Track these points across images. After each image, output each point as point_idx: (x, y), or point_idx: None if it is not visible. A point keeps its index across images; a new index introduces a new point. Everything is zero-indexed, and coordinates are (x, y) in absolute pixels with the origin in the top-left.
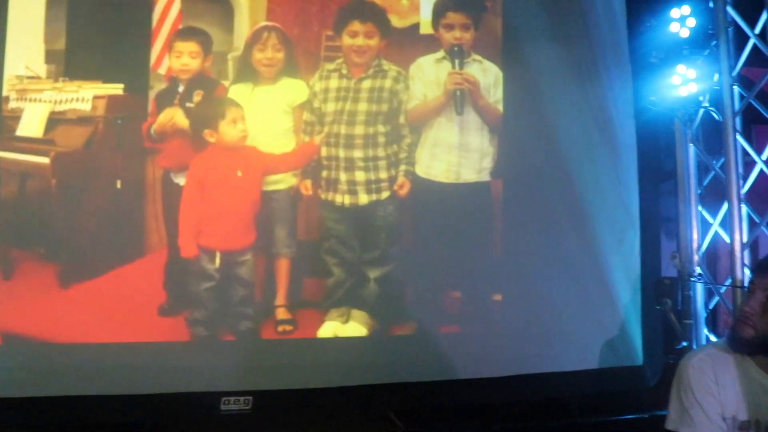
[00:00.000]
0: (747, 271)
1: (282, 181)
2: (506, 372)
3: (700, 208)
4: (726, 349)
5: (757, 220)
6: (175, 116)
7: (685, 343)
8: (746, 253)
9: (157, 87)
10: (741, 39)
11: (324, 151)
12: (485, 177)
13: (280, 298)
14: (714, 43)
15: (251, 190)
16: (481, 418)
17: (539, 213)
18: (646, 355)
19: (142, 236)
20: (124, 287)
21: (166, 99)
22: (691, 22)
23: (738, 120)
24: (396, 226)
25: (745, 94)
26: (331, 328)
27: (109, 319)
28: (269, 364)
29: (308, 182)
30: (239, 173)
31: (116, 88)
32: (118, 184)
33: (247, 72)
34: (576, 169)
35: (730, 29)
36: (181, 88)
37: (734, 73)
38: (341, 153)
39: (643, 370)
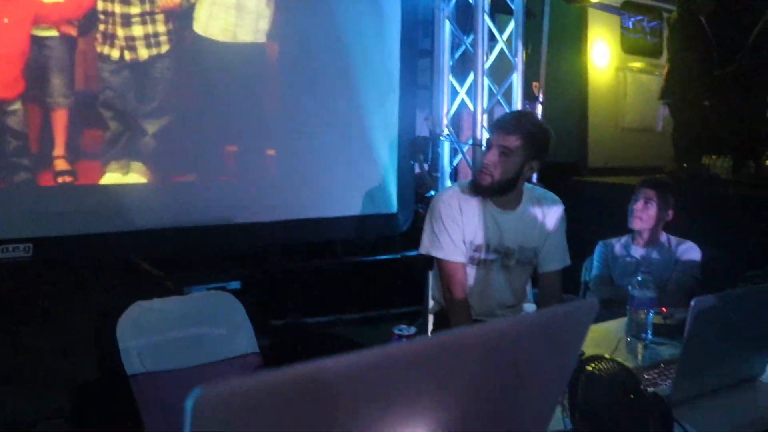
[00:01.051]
0: (486, 133)
1: (55, 31)
2: (279, 217)
3: (450, 78)
4: (469, 188)
5: (495, 91)
6: None
7: (432, 193)
8: (485, 117)
9: None
10: None
11: (100, 5)
12: (261, 38)
13: (59, 149)
14: None
15: (19, 38)
16: (255, 260)
17: (311, 75)
18: (399, 203)
19: None
20: None
21: None
22: None
23: (486, 3)
24: (174, 80)
25: None
26: (111, 180)
27: None
28: (50, 211)
29: (84, 35)
30: (5, 20)
31: None
32: None
33: None
34: (345, 35)
35: None
36: None
37: None
38: (117, 8)
39: (397, 216)
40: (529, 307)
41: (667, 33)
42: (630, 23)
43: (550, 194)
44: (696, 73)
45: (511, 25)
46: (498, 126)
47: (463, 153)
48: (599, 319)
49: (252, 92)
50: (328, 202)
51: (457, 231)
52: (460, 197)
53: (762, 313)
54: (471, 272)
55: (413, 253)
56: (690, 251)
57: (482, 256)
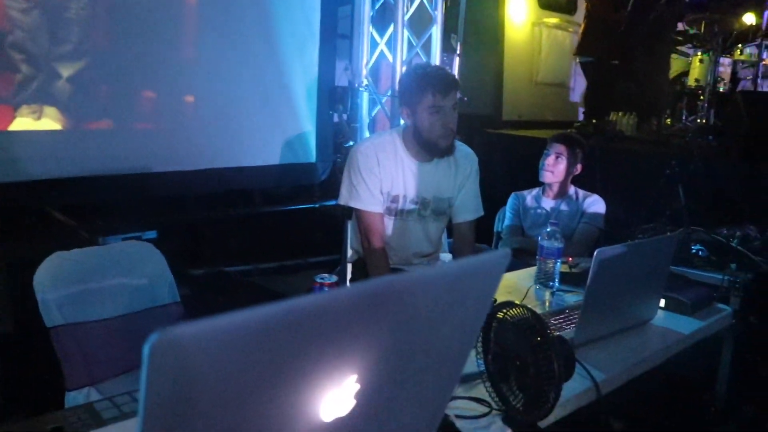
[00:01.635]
0: None
1: None
2: (197, 166)
3: (371, 28)
4: (387, 139)
5: (414, 43)
6: None
7: (351, 143)
8: (404, 69)
9: None
10: None
11: None
12: None
13: None
14: None
15: None
16: (171, 209)
17: (230, 19)
18: (318, 153)
19: None
20: None
21: None
22: None
23: None
24: (89, 21)
25: None
26: (22, 126)
27: None
28: None
29: None
30: None
31: None
32: None
33: None
34: None
35: None
36: None
37: None
38: None
39: (315, 166)
40: (446, 256)
41: None
42: None
43: (465, 147)
44: (609, 32)
45: None
46: (451, 85)
47: (381, 104)
48: (512, 267)
49: (169, 36)
50: (247, 151)
51: (375, 182)
52: (377, 148)
53: (654, 262)
54: (389, 222)
55: (331, 202)
56: (596, 204)
57: (399, 207)
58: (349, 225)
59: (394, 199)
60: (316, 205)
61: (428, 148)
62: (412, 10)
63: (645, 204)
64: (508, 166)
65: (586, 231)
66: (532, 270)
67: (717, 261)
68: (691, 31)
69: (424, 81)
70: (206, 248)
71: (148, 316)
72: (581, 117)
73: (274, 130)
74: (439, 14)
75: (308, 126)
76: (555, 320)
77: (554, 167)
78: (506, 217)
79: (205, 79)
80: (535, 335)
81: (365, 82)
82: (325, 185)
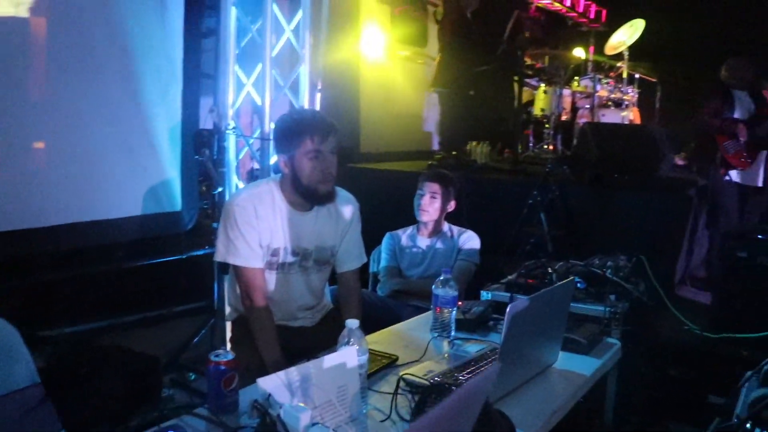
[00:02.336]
0: (272, 125)
1: None
2: (49, 222)
3: (236, 68)
4: (264, 189)
5: (281, 83)
6: None
7: (220, 189)
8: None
9: None
10: None
11: None
12: (23, 13)
13: None
14: None
15: None
16: (23, 269)
17: (85, 57)
18: (184, 201)
19: None
20: None
21: None
22: None
23: None
24: None
25: None
26: None
27: None
28: None
29: None
30: None
31: None
32: None
33: None
34: (124, 16)
35: None
36: None
37: None
38: None
39: (181, 215)
40: (352, 323)
41: (438, 27)
42: (398, 13)
43: (344, 192)
44: (462, 65)
45: (299, 15)
46: (328, 129)
47: (250, 146)
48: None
49: (14, 74)
50: (106, 202)
51: (254, 235)
52: (255, 200)
53: (556, 308)
54: (270, 277)
55: (200, 252)
56: (471, 240)
57: (280, 260)
58: (226, 281)
59: (275, 253)
60: (183, 256)
61: (308, 196)
62: (278, 47)
63: (508, 233)
64: (372, 201)
65: (464, 268)
66: (422, 319)
67: (595, 293)
68: (537, 65)
69: (301, 126)
70: (61, 314)
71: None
72: (435, 146)
73: (136, 178)
74: (306, 53)
75: (172, 172)
76: (463, 375)
77: (430, 206)
78: (382, 257)
79: (57, 125)
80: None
81: (232, 124)
82: (192, 234)
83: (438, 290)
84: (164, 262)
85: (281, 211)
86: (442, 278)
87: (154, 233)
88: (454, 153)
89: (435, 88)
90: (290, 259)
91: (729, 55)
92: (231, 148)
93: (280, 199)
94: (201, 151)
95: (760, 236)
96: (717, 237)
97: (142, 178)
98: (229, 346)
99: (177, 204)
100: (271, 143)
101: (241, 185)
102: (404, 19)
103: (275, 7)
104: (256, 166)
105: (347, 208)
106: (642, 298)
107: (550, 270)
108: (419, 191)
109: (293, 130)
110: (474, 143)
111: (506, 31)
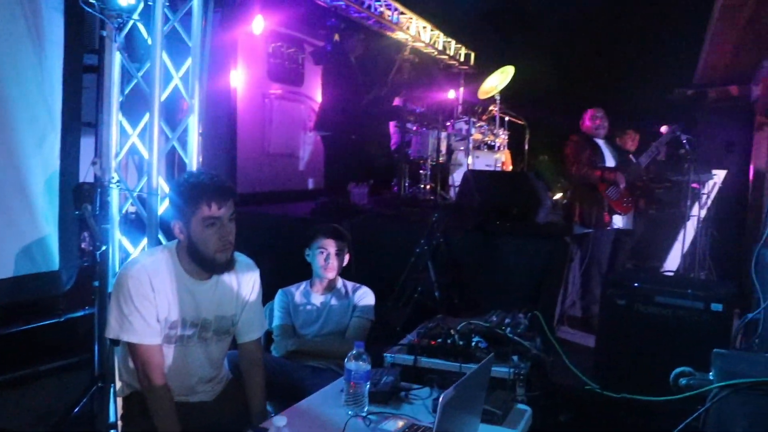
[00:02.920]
0: (162, 181)
1: None
2: None
3: (120, 117)
4: (160, 258)
5: (169, 135)
6: None
7: (104, 247)
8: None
9: None
10: None
11: None
12: None
13: None
14: None
15: None
16: None
17: None
18: (62, 259)
19: None
20: None
21: None
22: None
23: (161, 35)
24: None
25: (171, 17)
26: None
27: None
28: None
29: None
30: None
31: None
32: None
33: None
34: None
35: None
36: None
37: None
38: None
39: (59, 274)
40: (279, 420)
41: (321, 70)
42: (274, 51)
43: (244, 258)
44: (346, 109)
45: (188, 62)
46: (226, 194)
47: (135, 201)
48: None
49: None
50: None
51: (151, 310)
52: (150, 271)
53: (477, 385)
54: (168, 351)
55: (79, 313)
56: (366, 296)
57: (179, 333)
58: (117, 356)
59: (173, 326)
60: (62, 319)
61: (206, 264)
62: (165, 94)
63: (395, 280)
64: (253, 247)
65: (360, 325)
66: (330, 391)
67: (497, 352)
68: (416, 110)
69: (196, 191)
70: None
71: None
72: (311, 185)
73: (7, 236)
74: (196, 102)
75: (49, 229)
76: None
77: (332, 264)
78: (276, 315)
79: None
80: None
81: (115, 177)
82: (70, 295)
83: (351, 365)
84: (40, 326)
85: (179, 280)
86: (354, 352)
87: (28, 296)
88: (339, 199)
89: (319, 131)
90: (189, 331)
91: (587, 102)
92: (114, 203)
93: (177, 268)
94: (81, 206)
95: (636, 284)
96: (597, 282)
97: (15, 236)
98: (120, 424)
99: (54, 263)
100: (158, 199)
101: (124, 240)
102: (281, 57)
103: (165, 57)
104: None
105: (248, 275)
106: (540, 355)
107: (452, 331)
108: (318, 249)
109: (189, 196)
110: (352, 184)
111: (390, 76)
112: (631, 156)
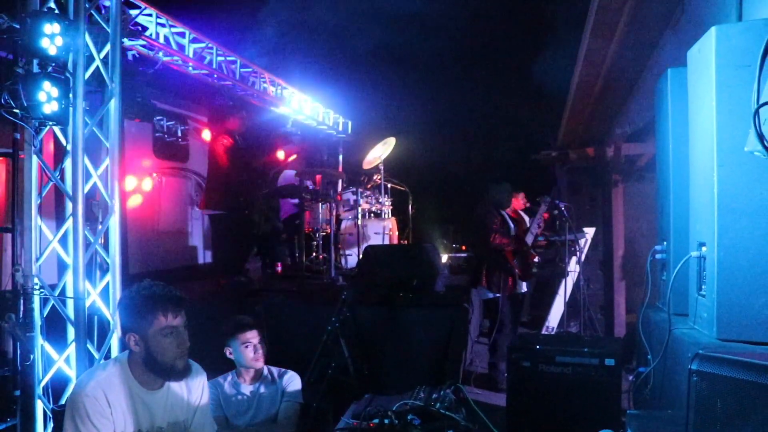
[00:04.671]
0: (88, 285)
1: None
2: None
3: (40, 221)
4: (112, 372)
5: (91, 239)
6: None
7: (31, 356)
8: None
9: None
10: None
11: None
12: None
13: None
14: (73, 67)
15: None
16: None
17: None
18: None
19: None
20: None
21: None
22: (59, 41)
23: (81, 132)
24: None
25: (89, 121)
26: None
27: None
28: None
29: None
30: None
31: None
32: None
33: None
34: None
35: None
36: None
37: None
38: None
39: None
40: None
41: (208, 150)
42: (162, 128)
43: (192, 363)
44: (228, 188)
45: (107, 161)
46: (180, 303)
47: (59, 305)
48: None
49: None
50: None
51: (108, 426)
52: (105, 387)
53: None
54: None
55: (0, 426)
56: (293, 380)
57: None
58: None
59: None
60: None
61: (163, 372)
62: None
63: (308, 359)
64: None
65: (290, 408)
66: None
67: (431, 428)
68: (309, 187)
69: (152, 303)
70: None
71: None
72: (201, 259)
73: None
74: (116, 202)
75: None
76: None
77: (260, 353)
78: None
79: None
80: None
81: (37, 282)
82: None
83: None
84: None
85: (132, 392)
86: None
87: None
88: (238, 276)
89: (208, 209)
90: None
91: (466, 165)
92: (37, 309)
93: (130, 380)
94: (5, 315)
95: (538, 347)
96: (504, 341)
97: None
98: None
99: None
100: (85, 303)
101: (47, 346)
102: (169, 134)
103: (84, 156)
104: None
105: (197, 379)
106: (469, 426)
107: (389, 412)
108: (242, 344)
109: (144, 307)
110: (248, 261)
111: (273, 151)
112: (522, 214)
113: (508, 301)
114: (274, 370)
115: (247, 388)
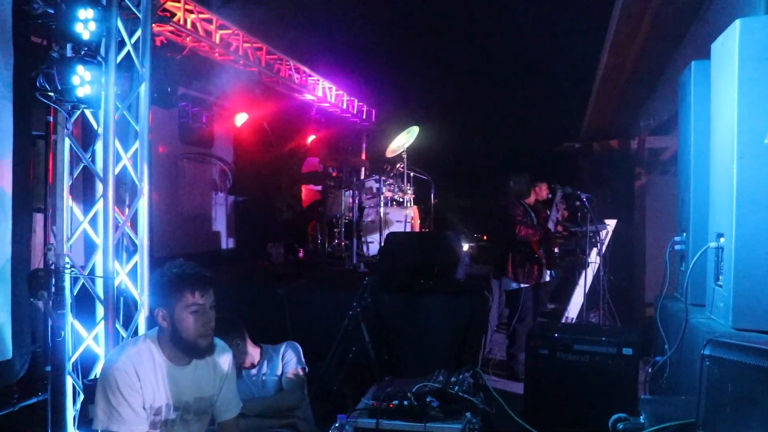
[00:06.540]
0: (117, 265)
1: None
2: None
3: (71, 202)
4: (142, 348)
5: (120, 221)
6: None
7: (62, 332)
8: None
9: None
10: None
11: None
12: None
13: None
14: (105, 52)
15: None
16: None
17: None
18: (15, 347)
19: None
20: None
21: None
22: (92, 26)
23: (111, 121)
24: None
25: (120, 105)
26: None
27: None
28: None
29: None
30: None
31: None
32: None
33: None
34: None
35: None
36: None
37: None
38: None
39: (12, 363)
40: None
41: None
42: (188, 114)
43: (219, 342)
44: (255, 174)
45: (137, 144)
46: (208, 283)
47: (89, 284)
48: None
49: None
50: None
51: (138, 399)
52: (135, 362)
53: None
54: None
55: (33, 400)
56: (289, 349)
57: (163, 418)
58: None
59: (158, 412)
60: (15, 408)
61: (188, 350)
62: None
63: (330, 342)
64: None
65: (294, 375)
66: None
67: (450, 409)
68: (334, 173)
69: (181, 281)
70: None
71: None
72: (224, 245)
73: None
74: (145, 185)
75: (2, 318)
76: None
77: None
78: None
79: None
80: None
81: (68, 261)
82: (24, 383)
83: None
84: None
85: (161, 368)
86: None
87: None
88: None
89: (235, 195)
90: (172, 415)
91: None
92: (67, 288)
93: (158, 356)
94: (38, 293)
95: (556, 335)
96: (523, 333)
97: None
98: None
99: (7, 352)
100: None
101: (77, 324)
102: (194, 120)
103: (115, 139)
104: None
105: (223, 357)
106: (486, 409)
107: (408, 394)
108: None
109: (173, 285)
110: (270, 245)
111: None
112: (541, 205)
113: (534, 290)
114: (270, 348)
115: (251, 373)
